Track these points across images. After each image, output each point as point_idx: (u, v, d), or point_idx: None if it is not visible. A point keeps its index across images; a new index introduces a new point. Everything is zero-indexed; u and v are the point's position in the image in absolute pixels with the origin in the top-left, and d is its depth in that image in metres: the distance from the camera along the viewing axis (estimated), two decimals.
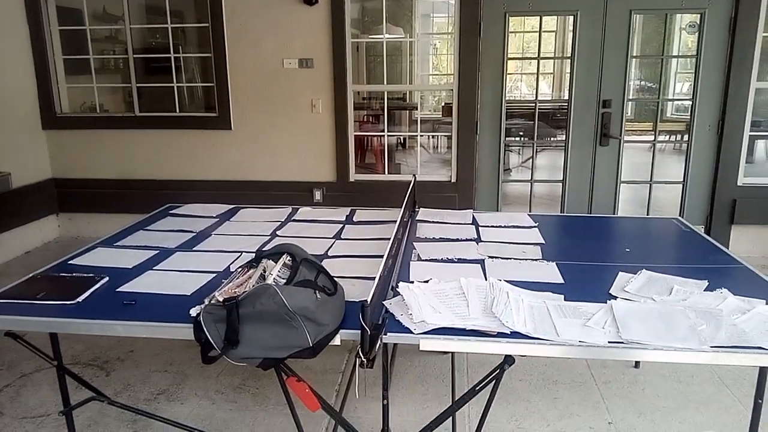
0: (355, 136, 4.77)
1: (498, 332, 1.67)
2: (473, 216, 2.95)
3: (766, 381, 1.72)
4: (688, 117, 4.48)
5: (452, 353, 2.98)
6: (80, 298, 1.93)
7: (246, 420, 2.56)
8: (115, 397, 2.67)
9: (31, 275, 2.14)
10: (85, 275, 2.13)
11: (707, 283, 2.01)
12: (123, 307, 1.90)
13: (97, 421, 2.55)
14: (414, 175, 3.17)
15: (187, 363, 3.03)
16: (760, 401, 1.75)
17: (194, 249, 2.50)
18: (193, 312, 1.75)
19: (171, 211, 3.10)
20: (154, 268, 2.26)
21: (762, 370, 1.73)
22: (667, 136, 5.70)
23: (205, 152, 4.89)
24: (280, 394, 2.58)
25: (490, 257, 2.33)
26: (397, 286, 1.93)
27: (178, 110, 4.94)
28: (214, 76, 4.71)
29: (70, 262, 2.32)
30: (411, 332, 1.67)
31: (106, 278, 2.11)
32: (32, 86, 4.87)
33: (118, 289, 2.03)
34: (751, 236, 4.53)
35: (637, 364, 2.98)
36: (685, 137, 4.60)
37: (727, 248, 2.52)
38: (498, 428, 2.49)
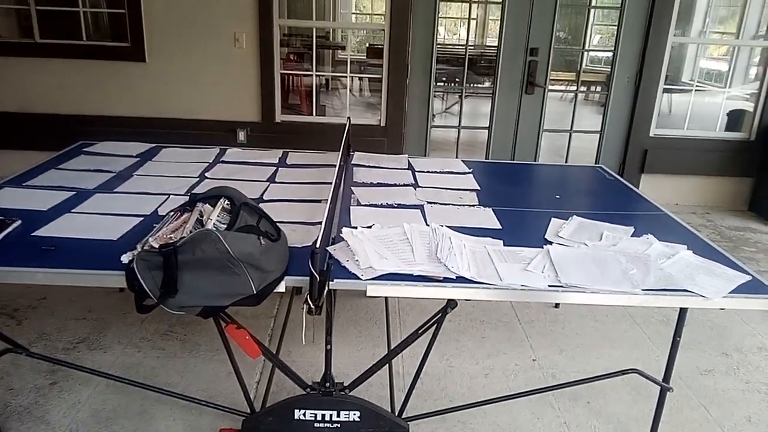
0: (281, 74, 4.57)
1: (444, 277, 1.69)
2: (408, 161, 2.93)
3: (685, 320, 1.86)
4: (609, 68, 4.63)
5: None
6: None
7: (176, 367, 2.48)
8: (30, 347, 2.50)
9: None
10: None
11: (633, 229, 2.12)
12: (42, 252, 1.74)
13: (10, 373, 2.38)
14: (349, 117, 3.09)
15: (108, 310, 2.87)
16: (678, 338, 1.90)
17: (115, 191, 2.33)
18: (125, 259, 1.64)
19: (84, 149, 2.86)
20: (73, 210, 2.09)
21: (682, 310, 1.86)
22: (588, 87, 5.88)
23: (116, 86, 4.51)
24: (211, 340, 2.52)
25: (429, 203, 2.33)
26: (340, 232, 1.89)
27: (84, 38, 4.50)
28: (126, 1, 4.30)
29: None
30: (358, 278, 1.65)
31: (19, 221, 1.93)
32: None
33: (33, 233, 1.87)
34: (658, 184, 4.82)
35: (557, 304, 3.14)
36: (603, 88, 4.76)
37: None
38: (430, 366, 2.54)
